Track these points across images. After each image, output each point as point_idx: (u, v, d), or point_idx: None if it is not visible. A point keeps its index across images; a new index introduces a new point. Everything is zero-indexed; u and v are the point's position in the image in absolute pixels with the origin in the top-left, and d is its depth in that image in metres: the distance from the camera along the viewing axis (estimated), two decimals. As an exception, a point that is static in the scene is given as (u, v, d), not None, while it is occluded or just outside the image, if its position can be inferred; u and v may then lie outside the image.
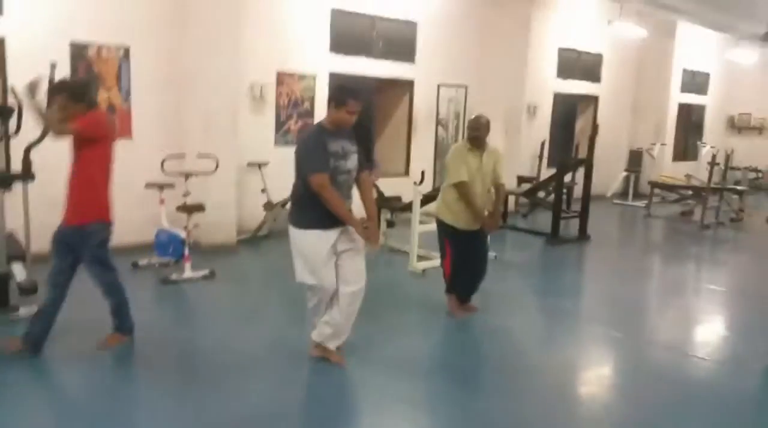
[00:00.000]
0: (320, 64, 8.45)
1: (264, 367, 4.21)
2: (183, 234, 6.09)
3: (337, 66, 8.61)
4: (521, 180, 10.76)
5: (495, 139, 10.48)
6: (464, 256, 5.16)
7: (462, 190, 4.93)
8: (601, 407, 4.01)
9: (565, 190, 10.53)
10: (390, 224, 7.66)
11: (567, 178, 10.71)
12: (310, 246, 3.86)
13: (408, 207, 7.10)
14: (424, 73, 9.69)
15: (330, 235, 3.83)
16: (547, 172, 10.83)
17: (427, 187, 8.03)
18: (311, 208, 3.78)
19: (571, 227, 9.29)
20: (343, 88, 3.95)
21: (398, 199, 7.70)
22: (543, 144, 11.65)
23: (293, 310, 5.13)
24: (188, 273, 6.01)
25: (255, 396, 3.80)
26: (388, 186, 8.04)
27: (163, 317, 5.38)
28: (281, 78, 8.07)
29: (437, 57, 9.80)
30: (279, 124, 8.18)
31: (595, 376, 4.57)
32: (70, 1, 6.41)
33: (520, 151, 10.90)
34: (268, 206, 7.50)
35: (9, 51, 6.08)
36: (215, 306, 5.57)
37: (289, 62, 8.13)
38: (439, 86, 9.96)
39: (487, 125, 5.03)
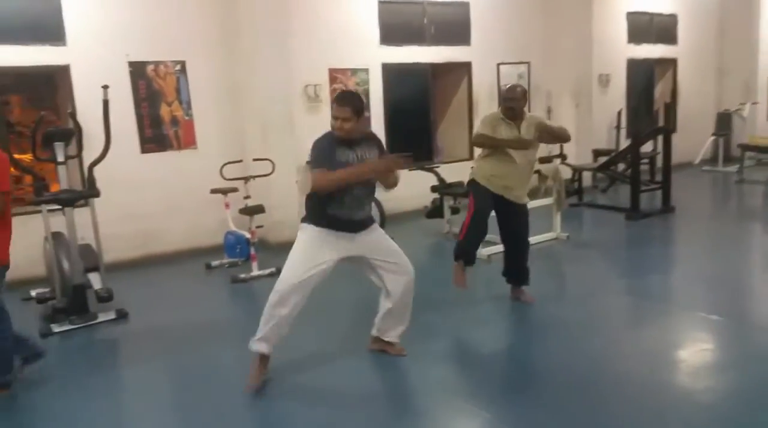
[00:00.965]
0: (372, 57, 8.45)
1: (329, 362, 4.20)
2: (248, 235, 6.28)
3: (390, 57, 8.59)
4: (597, 153, 10.31)
5: (565, 112, 10.22)
6: (485, 214, 4.91)
7: (479, 140, 4.85)
8: (709, 410, 3.37)
9: (647, 161, 10.07)
10: (454, 210, 7.56)
11: (648, 147, 10.22)
12: (305, 239, 3.71)
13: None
14: (482, 54, 9.47)
15: (335, 239, 3.68)
16: (626, 144, 10.31)
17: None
18: (320, 208, 3.67)
19: (654, 200, 8.77)
20: (336, 96, 3.86)
21: (461, 184, 7.55)
22: (619, 114, 11.13)
23: (355, 303, 5.16)
24: (255, 271, 6.20)
25: (328, 392, 3.82)
26: (451, 171, 7.94)
27: (233, 313, 5.60)
28: (333, 75, 8.14)
29: (494, 35, 9.55)
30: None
31: (697, 370, 3.90)
32: (126, 23, 6.75)
33: (593, 123, 10.46)
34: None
35: (74, 76, 6.48)
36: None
37: (340, 59, 8.18)
38: (498, 65, 9.72)
39: (524, 94, 4.80)
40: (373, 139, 3.87)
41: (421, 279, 4.73)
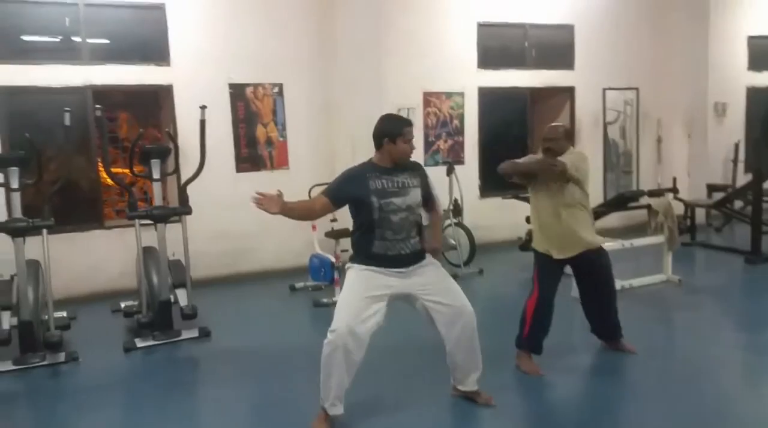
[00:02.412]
0: (468, 80, 8.25)
1: (406, 408, 3.87)
2: (333, 259, 6.18)
3: (487, 80, 8.36)
4: (712, 188, 9.53)
5: (677, 142, 9.59)
6: (551, 297, 4.21)
7: (503, 167, 4.20)
8: None
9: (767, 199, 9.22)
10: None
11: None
12: (352, 280, 3.48)
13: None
14: (586, 78, 9.04)
15: (383, 276, 3.43)
16: (745, 179, 9.52)
17: (594, 199, 7.38)
18: (364, 245, 3.46)
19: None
20: (390, 119, 3.61)
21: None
22: (737, 146, 10.29)
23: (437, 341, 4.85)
24: (338, 296, 6.02)
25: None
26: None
27: (312, 339, 5.34)
28: (428, 98, 7.99)
29: (600, 59, 9.10)
30: (427, 145, 8.08)
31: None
32: (229, 46, 6.91)
33: (708, 155, 9.72)
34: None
35: (176, 96, 6.67)
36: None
37: (435, 82, 8.04)
38: (604, 90, 9.24)
39: (566, 134, 4.28)
40: (417, 167, 3.62)
41: (509, 319, 4.44)
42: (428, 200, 3.66)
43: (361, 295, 3.39)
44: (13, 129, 6.13)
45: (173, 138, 5.28)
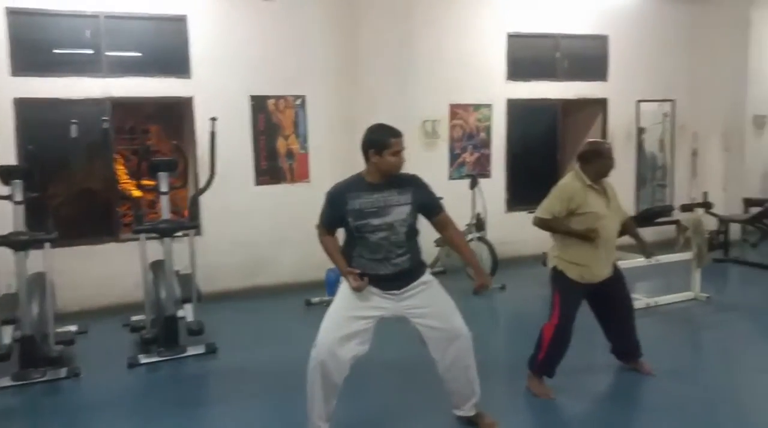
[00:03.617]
0: (496, 92, 8.06)
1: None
2: (349, 275, 6.04)
3: (516, 92, 8.16)
4: (749, 203, 9.13)
5: (713, 156, 9.24)
6: (571, 322, 4.02)
7: (544, 224, 4.03)
8: None
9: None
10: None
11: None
12: (343, 294, 3.35)
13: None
14: (620, 90, 8.77)
15: (375, 297, 3.29)
16: (785, 194, 9.13)
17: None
18: (353, 257, 3.34)
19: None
20: (377, 129, 3.38)
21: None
22: (777, 160, 9.86)
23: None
24: (355, 313, 5.92)
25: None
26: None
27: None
28: (454, 110, 7.83)
29: (634, 70, 8.82)
30: (453, 157, 7.91)
31: None
32: (250, 58, 6.87)
33: (745, 169, 9.34)
34: (441, 242, 7.19)
35: (197, 108, 6.65)
36: (375, 349, 5.34)
37: (462, 94, 7.88)
38: (638, 102, 8.94)
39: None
40: (410, 182, 3.40)
41: (525, 338, 4.26)
42: (432, 212, 3.45)
43: (348, 312, 3.27)
44: (30, 141, 6.16)
45: (182, 150, 5.24)
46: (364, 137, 3.33)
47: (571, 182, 4.02)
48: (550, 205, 4.01)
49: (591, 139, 4.27)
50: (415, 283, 3.37)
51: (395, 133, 3.28)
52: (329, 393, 3.28)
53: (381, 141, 3.24)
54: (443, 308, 3.43)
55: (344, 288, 3.36)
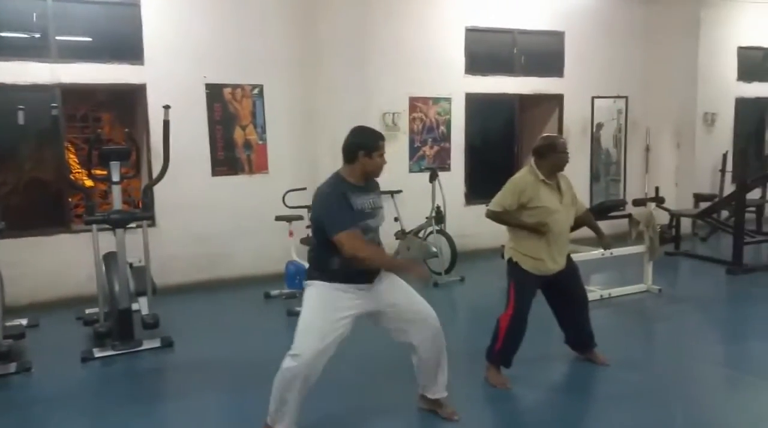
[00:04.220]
0: (455, 86, 8.10)
1: (369, 422, 3.76)
2: (308, 266, 5.99)
3: (474, 86, 8.21)
4: (699, 198, 9.42)
5: (665, 152, 9.48)
6: (526, 313, 4.07)
7: (497, 217, 4.05)
8: None
9: (753, 209, 9.11)
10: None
11: (756, 194, 9.27)
12: (315, 300, 3.23)
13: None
14: (575, 86, 8.92)
15: (349, 294, 3.22)
16: (732, 189, 9.40)
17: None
18: (327, 259, 3.21)
19: (761, 253, 7.89)
20: (365, 132, 3.35)
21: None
22: (725, 156, 10.17)
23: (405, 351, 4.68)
24: (312, 306, 5.88)
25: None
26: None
27: (282, 350, 5.19)
28: (414, 103, 7.83)
29: (590, 67, 8.99)
30: (413, 151, 7.92)
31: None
32: (206, 46, 6.74)
33: (696, 165, 9.62)
34: (401, 235, 7.20)
35: (150, 96, 6.47)
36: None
37: (422, 87, 7.89)
38: (593, 98, 9.11)
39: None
40: (379, 186, 3.46)
41: (483, 329, 4.29)
42: None
43: (328, 318, 3.18)
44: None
45: (134, 139, 5.08)
46: (350, 139, 3.29)
47: (523, 176, 4.06)
48: (501, 198, 4.05)
49: (545, 134, 4.31)
50: (381, 276, 3.37)
51: (382, 136, 3.34)
52: (303, 399, 3.24)
53: (372, 143, 3.26)
54: (412, 293, 3.47)
55: (315, 293, 3.26)
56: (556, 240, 4.04)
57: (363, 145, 3.24)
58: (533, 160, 4.12)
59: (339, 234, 3.08)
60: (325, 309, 3.20)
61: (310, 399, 3.31)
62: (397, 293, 3.41)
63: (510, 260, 4.15)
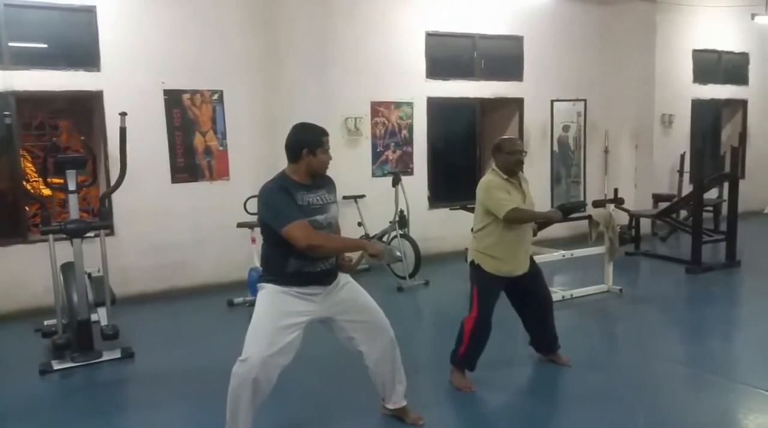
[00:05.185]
0: (417, 90, 8.14)
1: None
2: (271, 274, 5.94)
3: (436, 90, 8.26)
4: (658, 199, 9.64)
5: (624, 153, 9.66)
6: (490, 315, 4.09)
7: (515, 215, 3.95)
8: None
9: (711, 208, 9.35)
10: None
11: (713, 194, 9.52)
12: (266, 303, 3.16)
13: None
14: (535, 90, 9.04)
15: (302, 299, 3.16)
16: (690, 189, 9.63)
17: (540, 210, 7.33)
18: (281, 261, 3.14)
19: (718, 252, 8.05)
20: (307, 129, 3.26)
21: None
22: (683, 157, 10.42)
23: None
24: (276, 313, 5.83)
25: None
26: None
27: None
28: (376, 108, 7.84)
29: (549, 71, 9.12)
30: (375, 155, 7.93)
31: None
32: (164, 51, 6.64)
33: (654, 166, 9.83)
34: (365, 239, 7.20)
35: (107, 103, 6.36)
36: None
37: (383, 91, 7.90)
38: (553, 102, 9.24)
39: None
40: (331, 181, 3.36)
41: (448, 333, 4.31)
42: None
43: (277, 323, 3.11)
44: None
45: (90, 147, 5.00)
46: (292, 136, 3.21)
47: (492, 178, 4.09)
48: (499, 198, 3.98)
49: (502, 136, 4.37)
50: (339, 279, 3.34)
51: (325, 132, 3.25)
52: (256, 407, 3.17)
53: (315, 140, 3.18)
54: (365, 302, 3.42)
55: (267, 296, 3.19)
56: (521, 241, 4.10)
57: (306, 143, 3.15)
58: (493, 163, 4.18)
59: (287, 226, 2.99)
60: (275, 314, 3.13)
61: (271, 403, 3.28)
62: (350, 302, 3.36)
63: (472, 262, 4.18)
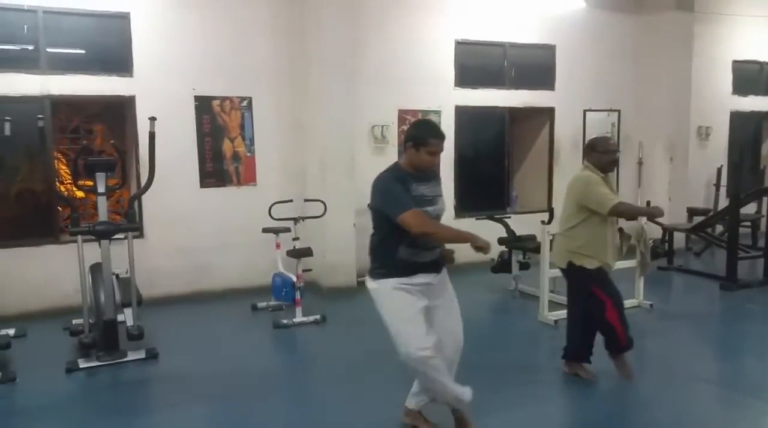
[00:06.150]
0: (445, 99, 8.10)
1: None
2: (294, 279, 5.98)
3: (464, 99, 8.22)
4: (693, 212, 9.41)
5: (658, 166, 9.47)
6: (617, 290, 4.23)
7: (622, 209, 4.07)
8: None
9: (748, 224, 9.10)
10: (523, 266, 6.94)
11: (751, 208, 9.24)
12: (393, 299, 3.29)
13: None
14: (567, 99, 8.93)
15: (416, 287, 3.26)
16: (726, 203, 9.38)
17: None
18: (391, 254, 3.26)
19: (756, 269, 7.76)
20: (422, 125, 3.47)
21: (533, 238, 6.97)
22: (720, 170, 10.17)
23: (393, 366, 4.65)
24: (299, 317, 5.88)
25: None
26: (524, 223, 7.40)
27: (269, 363, 5.18)
28: (403, 116, 7.82)
29: (581, 80, 9.01)
30: (403, 163, 7.89)
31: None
32: (195, 58, 6.76)
33: (689, 179, 9.61)
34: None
35: (138, 108, 6.49)
36: (321, 354, 5.28)
37: (411, 99, 7.88)
38: (585, 112, 9.12)
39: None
40: (438, 175, 3.52)
41: (476, 341, 4.25)
42: None
43: (411, 310, 3.24)
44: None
45: (120, 150, 5.10)
46: (409, 128, 3.40)
47: (591, 174, 4.15)
48: (604, 193, 4.07)
49: (595, 136, 4.53)
50: (442, 275, 3.42)
51: (438, 134, 3.29)
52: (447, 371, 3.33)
53: (422, 137, 3.25)
54: (455, 309, 3.48)
55: (384, 296, 3.31)
56: (612, 237, 4.24)
57: (413, 137, 3.27)
58: (585, 160, 4.32)
59: (403, 214, 3.08)
60: (404, 305, 3.24)
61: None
62: (448, 304, 3.43)
63: (572, 265, 4.22)
